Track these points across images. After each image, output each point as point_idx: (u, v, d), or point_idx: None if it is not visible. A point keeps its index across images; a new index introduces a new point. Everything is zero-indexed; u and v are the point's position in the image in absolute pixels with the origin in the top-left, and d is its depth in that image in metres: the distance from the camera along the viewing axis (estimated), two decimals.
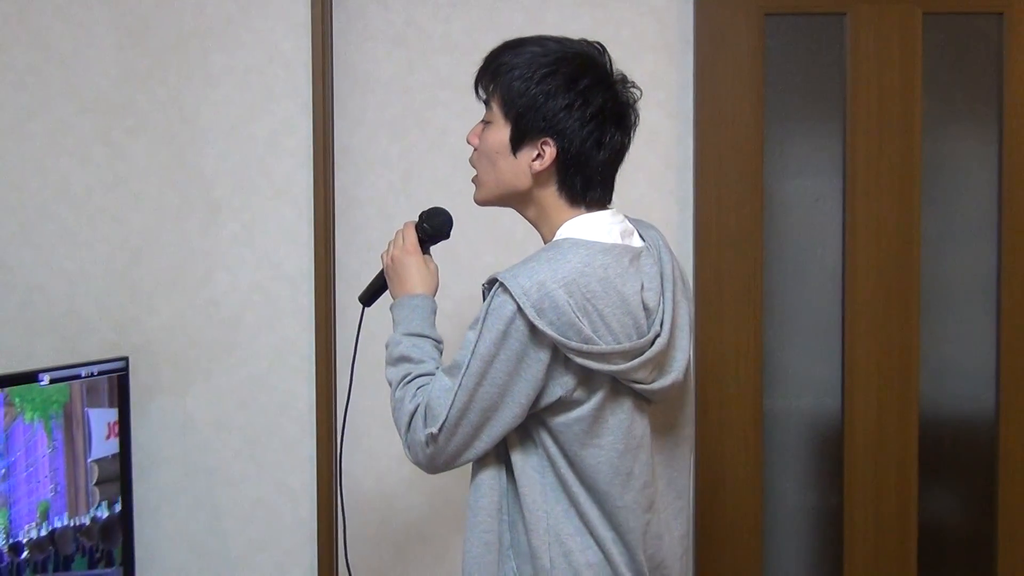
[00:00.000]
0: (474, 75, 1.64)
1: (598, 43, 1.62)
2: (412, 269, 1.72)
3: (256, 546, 2.47)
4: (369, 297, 1.86)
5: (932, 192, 2.46)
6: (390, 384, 1.65)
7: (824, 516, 2.53)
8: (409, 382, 1.61)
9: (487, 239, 2.38)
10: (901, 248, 2.44)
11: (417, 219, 1.78)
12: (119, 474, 2.26)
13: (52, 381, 2.12)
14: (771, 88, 2.45)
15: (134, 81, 2.41)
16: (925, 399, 2.48)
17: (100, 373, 2.21)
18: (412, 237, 1.75)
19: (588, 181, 1.59)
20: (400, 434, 1.61)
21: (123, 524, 2.26)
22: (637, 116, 1.63)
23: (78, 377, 2.17)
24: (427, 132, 2.43)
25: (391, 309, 1.72)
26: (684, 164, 2.44)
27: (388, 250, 1.77)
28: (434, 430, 1.53)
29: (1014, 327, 2.46)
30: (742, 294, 2.44)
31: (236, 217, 2.43)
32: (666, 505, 1.66)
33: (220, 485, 2.46)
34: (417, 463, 1.60)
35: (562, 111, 1.55)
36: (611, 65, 1.61)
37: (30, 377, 2.10)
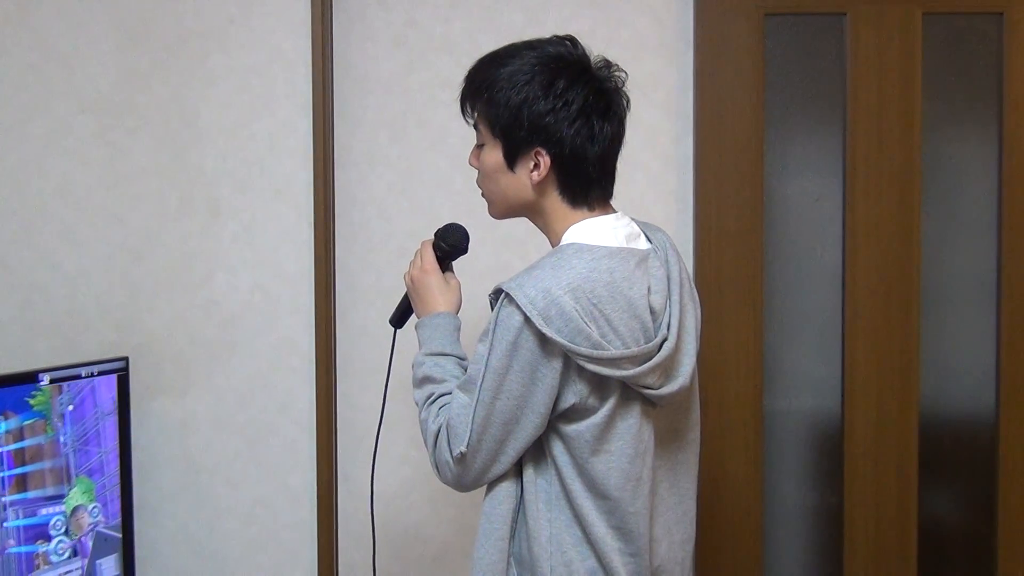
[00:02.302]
0: (458, 99, 1.64)
1: (568, 37, 1.60)
2: (432, 288, 1.72)
3: (256, 546, 2.47)
4: (398, 319, 1.86)
5: (932, 192, 2.46)
6: (417, 405, 1.65)
7: (824, 516, 2.53)
8: (432, 402, 1.61)
9: (487, 239, 2.38)
10: (901, 248, 2.44)
11: (433, 237, 1.78)
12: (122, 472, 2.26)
13: (52, 381, 2.12)
14: (771, 88, 2.45)
15: (134, 81, 2.41)
16: (925, 399, 2.48)
17: (100, 373, 2.21)
18: (429, 256, 1.75)
19: (587, 180, 1.59)
20: (428, 454, 1.61)
21: (123, 524, 2.26)
22: (627, 100, 1.62)
23: (78, 377, 2.17)
24: (427, 132, 2.43)
25: (415, 329, 1.72)
26: (684, 164, 2.44)
27: (408, 271, 1.76)
28: (463, 449, 1.53)
29: (1014, 327, 2.46)
30: (742, 294, 2.44)
31: (236, 217, 2.43)
32: (667, 510, 1.65)
33: (220, 485, 2.46)
34: (446, 482, 1.60)
35: (546, 117, 1.54)
36: (587, 57, 1.59)
37: (30, 377, 2.10)
